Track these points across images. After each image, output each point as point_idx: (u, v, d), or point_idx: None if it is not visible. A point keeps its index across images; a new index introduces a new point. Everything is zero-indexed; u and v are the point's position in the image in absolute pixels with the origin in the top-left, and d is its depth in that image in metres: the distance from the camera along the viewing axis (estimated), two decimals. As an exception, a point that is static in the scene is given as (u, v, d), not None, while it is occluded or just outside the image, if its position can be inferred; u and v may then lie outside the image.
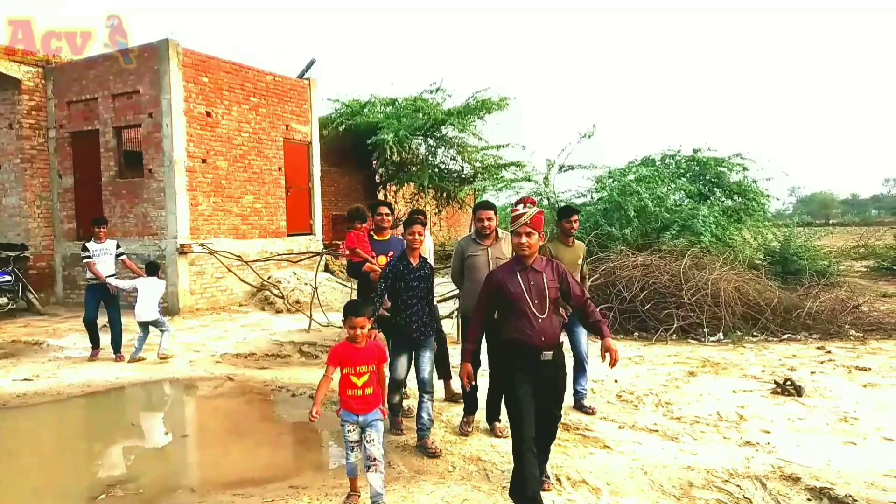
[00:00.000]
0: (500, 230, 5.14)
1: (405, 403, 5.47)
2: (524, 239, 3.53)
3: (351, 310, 3.72)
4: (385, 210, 5.76)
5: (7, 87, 12.94)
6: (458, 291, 6.02)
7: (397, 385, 4.92)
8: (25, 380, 7.10)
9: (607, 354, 3.41)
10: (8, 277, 11.66)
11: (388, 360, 4.42)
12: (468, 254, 5.08)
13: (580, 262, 5.60)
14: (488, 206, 5.29)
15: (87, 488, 4.24)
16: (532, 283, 3.55)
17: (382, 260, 5.54)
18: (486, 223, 5.11)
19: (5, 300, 11.48)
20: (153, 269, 8.50)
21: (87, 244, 8.33)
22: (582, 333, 5.66)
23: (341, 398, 3.73)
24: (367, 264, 5.59)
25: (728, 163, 13.62)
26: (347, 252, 5.89)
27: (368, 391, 3.71)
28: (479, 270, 4.85)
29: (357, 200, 19.76)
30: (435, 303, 5.28)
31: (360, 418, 3.68)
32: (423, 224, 4.83)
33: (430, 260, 6.37)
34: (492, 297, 3.70)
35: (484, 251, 5.01)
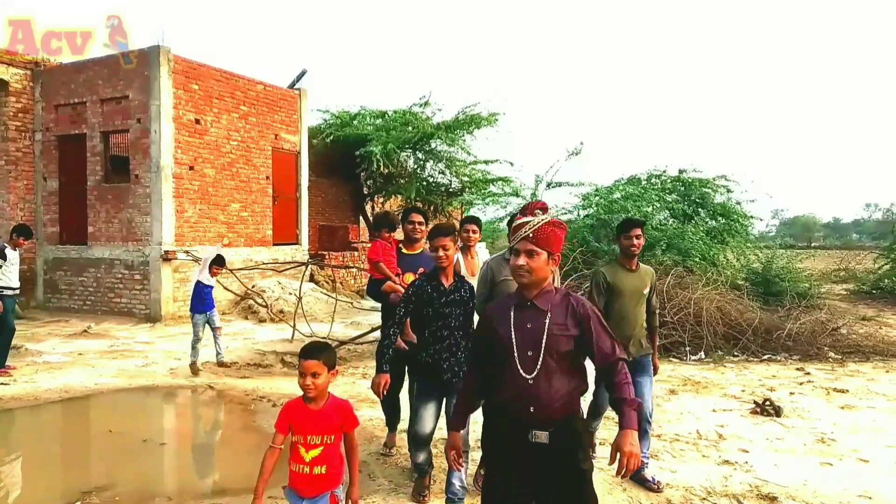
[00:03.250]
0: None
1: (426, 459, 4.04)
2: (522, 260, 2.44)
3: (303, 350, 2.79)
4: (418, 218, 4.80)
5: (-6, 89, 12.85)
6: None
7: (422, 441, 3.84)
8: (1, 384, 7.01)
9: (618, 455, 2.30)
10: (-12, 280, 11.49)
11: (410, 410, 3.85)
12: (501, 278, 4.02)
13: (646, 291, 4.39)
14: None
15: (63, 494, 4.18)
16: (528, 325, 2.47)
17: (409, 279, 4.55)
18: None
19: (-16, 303, 11.31)
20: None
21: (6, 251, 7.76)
22: (647, 382, 4.39)
23: (289, 469, 2.84)
24: (388, 283, 4.69)
25: (713, 184, 13.81)
26: (369, 265, 4.97)
27: (318, 470, 2.76)
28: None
29: (344, 212, 19.77)
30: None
31: (304, 502, 2.79)
32: (451, 234, 3.76)
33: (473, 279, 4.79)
34: (483, 344, 2.64)
35: None
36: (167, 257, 11.82)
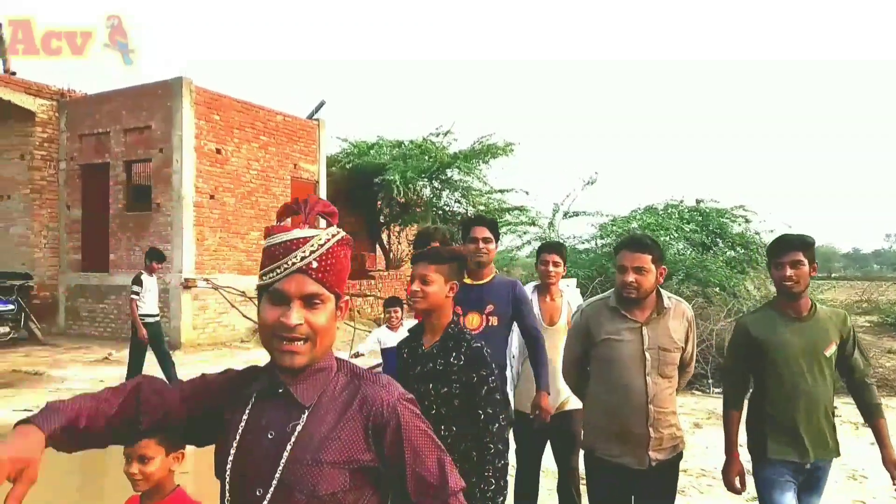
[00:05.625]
0: (666, 296, 2.79)
1: None
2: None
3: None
4: (482, 233, 3.33)
5: (21, 119, 13.15)
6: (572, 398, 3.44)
7: None
8: (25, 410, 7.04)
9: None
10: (11, 307, 11.65)
11: None
12: (604, 335, 2.76)
13: (830, 352, 2.78)
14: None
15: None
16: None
17: (475, 321, 3.20)
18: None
19: (7, 329, 11.45)
20: None
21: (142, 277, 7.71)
22: None
23: None
24: None
25: (730, 214, 13.75)
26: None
27: None
28: (624, 368, 2.69)
29: (361, 240, 19.87)
30: (499, 446, 2.35)
31: None
32: (440, 260, 2.50)
33: (511, 347, 3.57)
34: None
35: (635, 331, 2.71)
36: (187, 285, 11.91)
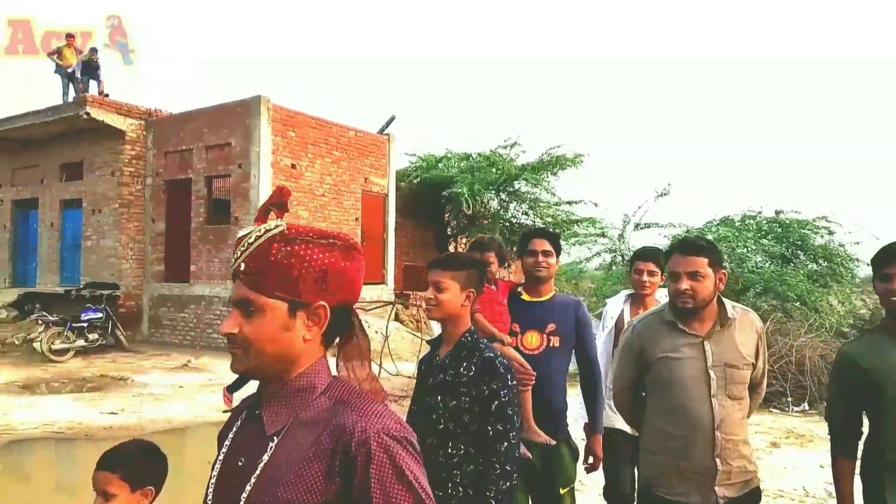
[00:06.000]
0: (730, 305, 2.45)
1: None
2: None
3: (102, 456, 1.94)
4: (542, 245, 3.02)
5: (113, 138, 13.99)
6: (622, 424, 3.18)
7: None
8: (112, 413, 7.45)
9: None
10: (100, 315, 12.34)
11: None
12: (660, 353, 2.43)
13: None
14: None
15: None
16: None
17: (534, 340, 2.93)
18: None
19: (96, 336, 12.13)
20: None
21: None
22: None
23: None
24: (496, 344, 2.65)
25: (812, 225, 13.16)
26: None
27: None
28: (685, 390, 2.36)
29: (428, 252, 20.05)
30: (506, 467, 2.12)
31: None
32: (455, 265, 2.33)
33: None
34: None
35: (696, 347, 2.38)
36: (262, 295, 12.33)
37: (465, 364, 2.21)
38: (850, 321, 11.63)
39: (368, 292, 15.06)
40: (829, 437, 2.45)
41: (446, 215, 19.56)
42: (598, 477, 3.49)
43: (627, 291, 3.61)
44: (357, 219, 14.89)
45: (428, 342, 2.51)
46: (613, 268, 15.10)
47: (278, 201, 1.23)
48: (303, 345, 1.17)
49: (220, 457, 1.22)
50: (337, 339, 1.25)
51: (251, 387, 1.27)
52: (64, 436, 6.67)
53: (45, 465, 6.39)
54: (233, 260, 1.18)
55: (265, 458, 1.12)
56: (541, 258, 2.98)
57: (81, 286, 13.47)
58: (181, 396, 8.57)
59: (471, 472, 2.13)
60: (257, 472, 1.12)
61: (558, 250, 3.08)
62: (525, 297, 3.04)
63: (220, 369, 10.85)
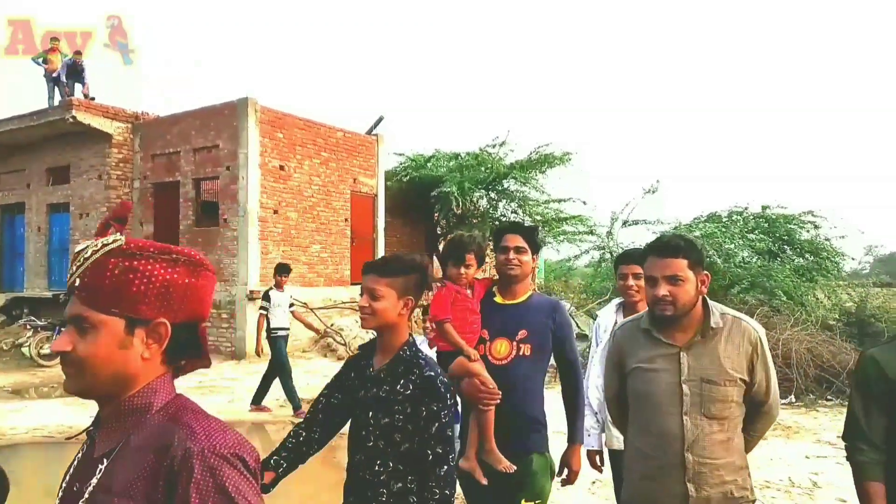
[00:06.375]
0: (719, 311, 2.22)
1: None
2: None
3: None
4: (515, 241, 2.71)
5: (99, 142, 13.93)
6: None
7: None
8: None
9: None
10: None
11: None
12: (634, 363, 2.26)
13: None
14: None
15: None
16: None
17: (503, 349, 2.64)
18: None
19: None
20: None
21: (270, 292, 7.89)
22: None
23: None
24: (459, 359, 2.57)
25: (798, 220, 13.33)
26: (431, 328, 3.14)
27: None
28: (656, 405, 2.18)
29: (418, 251, 20.07)
30: (445, 492, 1.97)
31: None
32: (387, 271, 2.14)
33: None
34: None
35: (671, 359, 2.18)
36: (252, 297, 12.32)
37: (402, 381, 2.03)
38: (836, 315, 11.78)
39: (359, 292, 15.07)
40: (847, 460, 2.09)
41: (436, 214, 19.60)
42: (577, 496, 3.48)
43: (619, 300, 3.39)
44: (346, 219, 14.90)
45: (359, 347, 2.32)
46: (602, 265, 15.21)
47: (120, 215, 1.21)
48: (140, 363, 1.13)
49: (63, 483, 1.18)
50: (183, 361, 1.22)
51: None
52: (54, 440, 6.65)
53: (35, 470, 6.38)
54: (68, 275, 1.14)
55: (93, 481, 1.09)
56: (512, 255, 2.69)
57: (70, 290, 13.40)
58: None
59: (398, 491, 1.99)
60: (85, 496, 1.09)
61: (535, 247, 2.76)
62: (498, 299, 2.76)
63: (212, 372, 10.84)
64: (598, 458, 3.23)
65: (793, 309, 10.78)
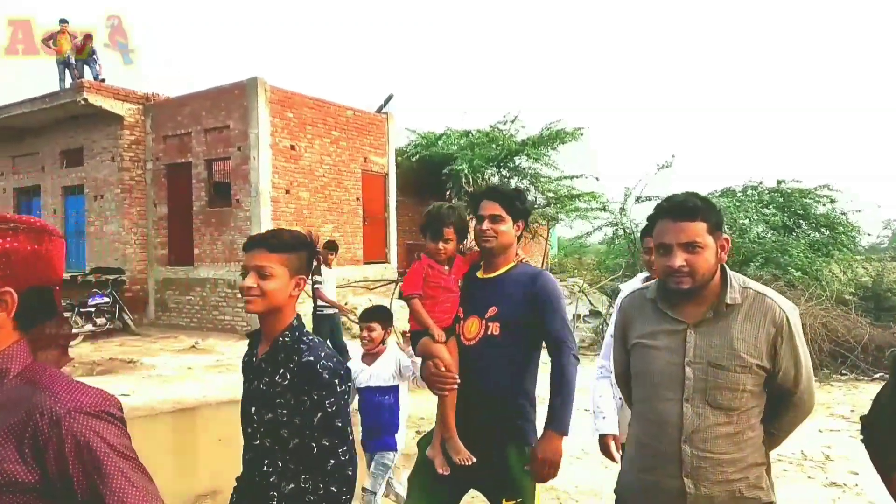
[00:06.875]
0: (739, 284, 1.89)
1: None
2: None
3: None
4: (493, 209, 2.44)
5: (111, 123, 13.97)
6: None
7: None
8: (123, 395, 7.56)
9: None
10: (106, 299, 12.47)
11: None
12: (636, 338, 1.99)
13: None
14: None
15: (178, 497, 4.49)
16: None
17: (473, 328, 2.41)
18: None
19: (104, 320, 12.27)
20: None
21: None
22: None
23: None
24: (425, 339, 2.43)
25: (814, 194, 13.20)
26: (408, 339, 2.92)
27: None
28: (654, 387, 1.91)
29: (431, 230, 20.08)
30: (332, 488, 1.79)
31: None
32: (275, 249, 1.89)
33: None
34: None
35: (676, 336, 1.88)
36: (265, 277, 12.41)
37: (281, 370, 1.85)
38: (852, 289, 11.70)
39: (371, 271, 15.14)
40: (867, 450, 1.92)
41: (447, 192, 19.58)
42: (592, 474, 3.47)
43: (644, 274, 3.10)
44: (358, 198, 14.91)
45: (247, 335, 2.09)
46: (616, 241, 15.15)
47: None
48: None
49: None
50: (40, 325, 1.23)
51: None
52: None
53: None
54: None
55: None
56: (486, 225, 2.41)
57: (87, 271, 13.56)
58: (191, 377, 8.69)
59: (291, 493, 1.82)
60: None
61: (516, 214, 2.45)
62: (479, 273, 2.51)
63: (228, 351, 10.98)
64: (613, 444, 2.76)
65: (808, 283, 10.71)
